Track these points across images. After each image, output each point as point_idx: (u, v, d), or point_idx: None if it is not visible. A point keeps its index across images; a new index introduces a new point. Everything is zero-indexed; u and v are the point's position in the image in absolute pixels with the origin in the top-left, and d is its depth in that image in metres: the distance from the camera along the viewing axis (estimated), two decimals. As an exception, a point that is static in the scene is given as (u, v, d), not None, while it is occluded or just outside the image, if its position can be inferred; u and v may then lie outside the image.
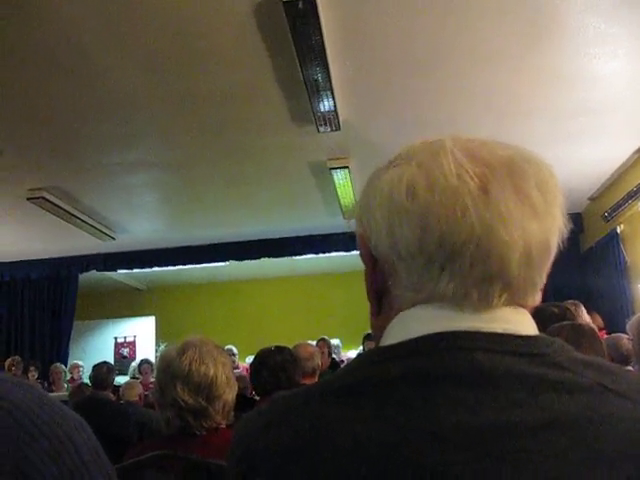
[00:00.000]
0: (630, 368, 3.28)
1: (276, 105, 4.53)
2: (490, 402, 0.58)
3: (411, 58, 3.99)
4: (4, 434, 0.57)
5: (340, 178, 5.93)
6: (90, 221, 7.08)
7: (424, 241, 0.64)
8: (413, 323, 0.66)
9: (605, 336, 4.09)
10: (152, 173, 5.96)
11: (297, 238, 8.33)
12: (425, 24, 3.63)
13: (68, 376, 7.96)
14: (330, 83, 4.00)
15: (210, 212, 7.35)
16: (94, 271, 8.85)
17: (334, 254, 8.35)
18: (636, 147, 5.64)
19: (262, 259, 8.53)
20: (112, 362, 5.73)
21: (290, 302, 10.83)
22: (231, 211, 7.33)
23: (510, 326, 0.64)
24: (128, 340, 11.09)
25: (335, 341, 7.79)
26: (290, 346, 3.40)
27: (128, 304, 11.19)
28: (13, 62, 3.80)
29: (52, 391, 7.06)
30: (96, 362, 4.93)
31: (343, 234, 7.56)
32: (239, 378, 2.96)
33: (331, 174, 5.85)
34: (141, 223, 7.56)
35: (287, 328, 9.19)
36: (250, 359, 4.92)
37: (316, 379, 3.56)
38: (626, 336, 3.42)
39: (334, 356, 7.04)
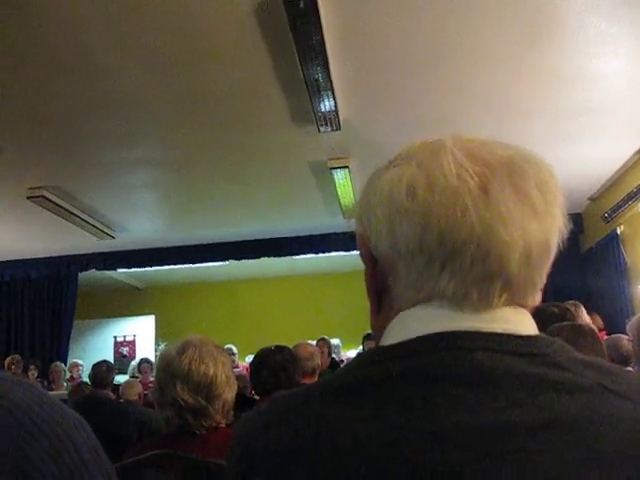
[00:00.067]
0: (630, 369, 3.28)
1: (276, 104, 4.53)
2: (490, 402, 0.58)
3: (411, 58, 3.99)
4: (4, 433, 0.57)
5: (340, 178, 5.93)
6: (90, 220, 7.08)
7: (424, 240, 0.64)
8: (413, 323, 0.66)
9: (605, 337, 4.10)
10: (152, 172, 5.95)
11: (297, 238, 8.33)
12: (425, 24, 3.62)
13: (68, 375, 7.96)
14: (331, 83, 4.00)
15: (210, 211, 7.35)
16: (94, 270, 8.85)
17: (334, 254, 8.35)
18: (636, 148, 5.64)
19: (262, 258, 8.52)
20: (112, 361, 5.72)
21: (290, 302, 10.83)
22: (231, 210, 7.33)
23: (510, 326, 0.64)
24: (128, 339, 11.09)
25: (335, 341, 7.79)
26: (290, 346, 3.40)
27: (128, 303, 11.19)
28: (14, 61, 3.80)
29: (52, 390, 7.06)
30: (96, 361, 4.93)
31: (343, 234, 7.57)
32: (239, 377, 2.96)
33: (331, 174, 5.85)
34: (141, 222, 7.56)
35: (287, 328, 9.19)
36: (250, 358, 4.92)
37: (316, 379, 3.56)
38: (626, 337, 3.42)
39: (334, 356, 7.04)
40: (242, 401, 2.91)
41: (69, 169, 5.70)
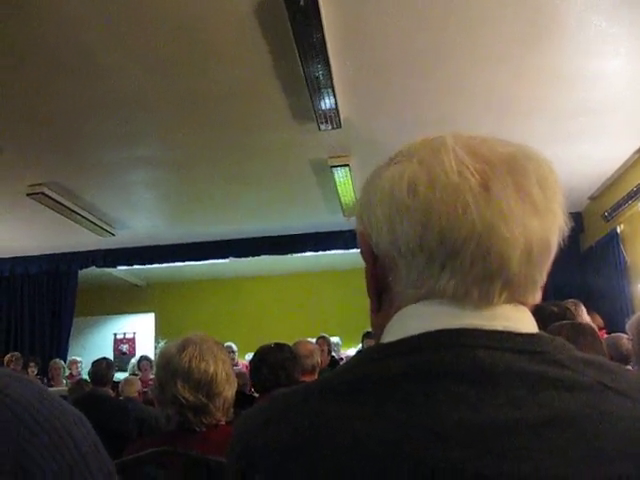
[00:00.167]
0: (629, 367, 3.28)
1: (277, 103, 4.53)
2: (491, 399, 0.58)
3: (412, 57, 3.98)
4: (4, 428, 0.57)
5: (341, 176, 5.93)
6: (90, 217, 7.07)
7: (425, 238, 0.64)
8: (413, 320, 0.66)
9: (605, 336, 4.10)
10: (152, 171, 5.95)
11: (297, 236, 8.33)
12: (425, 24, 3.62)
13: (67, 372, 7.96)
14: (331, 81, 4.00)
15: (210, 209, 7.35)
16: (94, 267, 8.86)
17: (334, 252, 8.35)
18: (636, 147, 5.64)
19: (262, 256, 8.52)
20: (111, 358, 5.72)
21: (290, 299, 10.83)
22: (231, 208, 7.33)
23: (510, 324, 0.64)
24: (127, 336, 11.10)
25: (335, 339, 7.79)
26: (290, 343, 3.41)
27: (128, 300, 11.20)
28: (14, 61, 3.79)
29: (51, 387, 7.05)
30: (95, 358, 4.93)
31: (343, 232, 7.57)
32: (238, 375, 2.96)
33: (332, 172, 5.85)
34: (141, 219, 7.56)
35: (287, 325, 9.19)
36: (250, 356, 4.93)
37: (316, 377, 3.56)
38: (626, 336, 3.42)
39: (334, 354, 7.04)
40: (242, 399, 2.92)
41: (69, 168, 5.70)
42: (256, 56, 3.88)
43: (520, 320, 0.65)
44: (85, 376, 6.51)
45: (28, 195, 6.09)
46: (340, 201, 6.63)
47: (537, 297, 0.68)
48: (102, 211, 7.05)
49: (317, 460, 0.58)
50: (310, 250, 8.48)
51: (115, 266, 9.14)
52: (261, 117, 4.80)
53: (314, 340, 5.59)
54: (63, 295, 9.01)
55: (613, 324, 5.49)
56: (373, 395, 0.60)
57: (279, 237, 8.35)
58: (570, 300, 3.31)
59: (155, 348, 10.10)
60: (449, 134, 0.69)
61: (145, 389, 5.49)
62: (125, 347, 11.01)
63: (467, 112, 4.76)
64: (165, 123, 4.85)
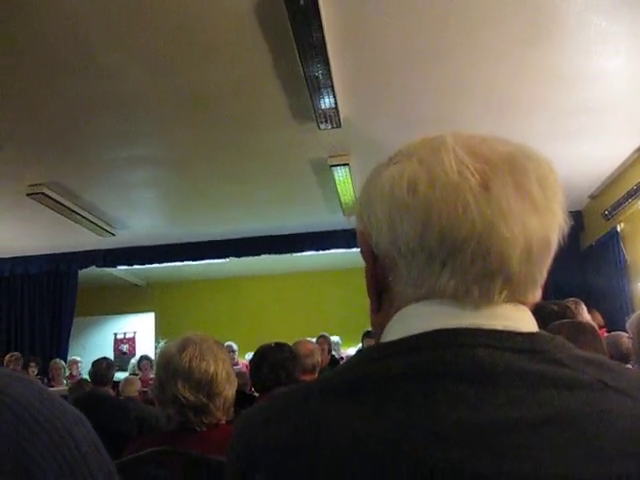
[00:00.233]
0: (630, 366, 3.28)
1: (277, 102, 4.53)
2: (490, 399, 0.58)
3: (411, 57, 3.98)
4: (4, 428, 0.57)
5: (340, 175, 5.93)
6: (90, 217, 7.07)
7: (425, 237, 0.64)
8: (413, 320, 0.66)
9: (605, 334, 4.10)
10: (152, 170, 5.95)
11: (297, 235, 8.34)
12: (425, 23, 3.62)
13: (67, 372, 7.96)
14: (331, 80, 4.00)
15: (210, 209, 7.35)
16: (94, 267, 8.86)
17: (334, 251, 8.35)
18: (636, 146, 5.64)
19: (262, 256, 8.52)
20: (112, 358, 5.73)
21: (290, 299, 10.84)
22: (231, 208, 7.33)
23: (510, 323, 0.64)
24: (128, 336, 11.10)
25: (335, 338, 7.79)
26: (290, 343, 3.40)
27: (128, 300, 11.20)
28: (14, 60, 3.80)
29: (52, 387, 7.05)
30: (96, 358, 4.93)
31: (343, 231, 7.57)
32: (238, 374, 2.96)
33: (331, 171, 5.85)
34: (141, 219, 7.56)
35: (287, 325, 9.20)
36: (250, 356, 4.92)
37: (316, 376, 3.56)
38: (626, 334, 3.42)
39: (334, 353, 7.03)
40: (242, 398, 2.91)
41: (69, 167, 5.70)
42: (256, 56, 3.88)
43: (520, 319, 0.65)
44: (85, 376, 6.52)
45: (28, 195, 6.09)
46: (340, 200, 6.63)
47: (537, 296, 0.68)
48: (102, 211, 7.05)
49: (317, 459, 0.58)
50: (310, 249, 8.48)
51: (115, 266, 9.13)
52: (261, 116, 4.79)
53: (314, 339, 5.59)
54: (63, 295, 9.01)
55: (613, 323, 5.50)
56: (373, 394, 0.60)
57: (279, 237, 8.35)
58: (570, 299, 3.31)
59: (155, 348, 10.10)
60: (449, 133, 0.69)
61: (145, 389, 5.49)
62: (125, 347, 11.01)
63: (467, 111, 4.76)
64: (165, 122, 4.85)
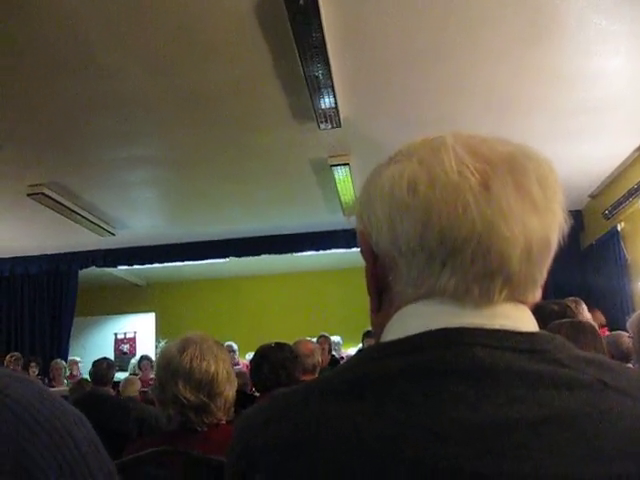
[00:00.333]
0: (630, 365, 3.28)
1: (277, 102, 4.53)
2: (490, 398, 0.58)
3: (411, 57, 3.98)
4: (4, 428, 0.57)
5: (341, 175, 5.93)
6: (90, 217, 7.08)
7: (425, 237, 0.64)
8: (413, 319, 0.66)
9: (607, 333, 4.10)
10: (152, 170, 5.95)
11: (297, 235, 8.34)
12: (425, 23, 3.62)
13: (68, 372, 7.96)
14: (331, 80, 4.00)
15: (210, 209, 7.35)
16: (94, 267, 8.86)
17: (334, 251, 8.35)
18: (636, 145, 5.64)
19: (262, 256, 8.53)
20: (112, 358, 5.72)
21: (290, 299, 10.84)
22: (231, 208, 7.33)
23: (510, 322, 0.64)
24: (128, 336, 11.10)
25: (335, 338, 7.79)
26: (290, 343, 3.40)
27: (128, 300, 11.20)
28: (14, 60, 3.80)
29: (52, 387, 7.06)
30: (96, 358, 4.93)
31: (343, 231, 7.56)
32: (239, 374, 2.96)
33: (332, 171, 5.85)
34: (141, 219, 7.56)
35: (287, 325, 9.20)
36: (250, 355, 4.92)
37: (316, 376, 3.56)
38: (626, 334, 3.42)
39: (334, 353, 7.04)
40: (242, 398, 2.91)
41: (69, 167, 5.71)
42: (256, 56, 3.88)
43: (520, 319, 0.65)
44: (86, 376, 6.52)
45: (28, 195, 6.09)
46: (340, 200, 6.63)
47: (537, 295, 0.68)
48: (102, 211, 7.05)
49: (317, 459, 0.58)
50: (310, 249, 8.48)
51: (115, 266, 9.14)
52: (261, 116, 4.79)
53: (315, 339, 5.59)
54: (63, 295, 9.01)
55: (613, 322, 5.49)
56: (373, 394, 0.60)
57: (279, 236, 8.35)
58: (570, 298, 3.31)
59: (156, 348, 10.10)
60: (449, 133, 0.69)
61: (145, 389, 5.49)
62: (126, 347, 11.01)
63: (467, 111, 4.76)
64: (165, 122, 4.85)
